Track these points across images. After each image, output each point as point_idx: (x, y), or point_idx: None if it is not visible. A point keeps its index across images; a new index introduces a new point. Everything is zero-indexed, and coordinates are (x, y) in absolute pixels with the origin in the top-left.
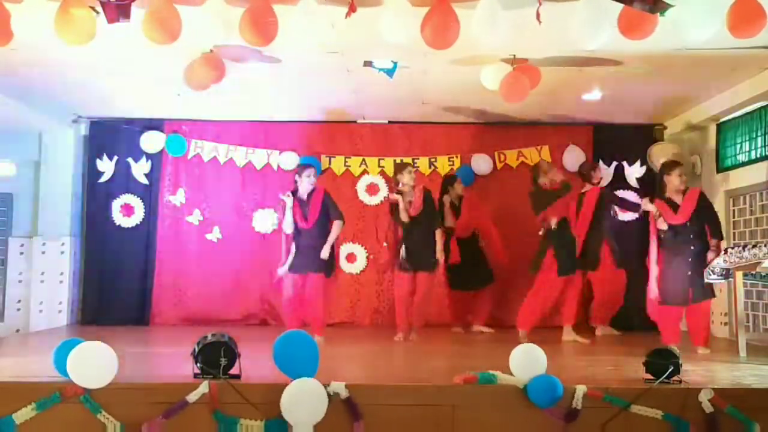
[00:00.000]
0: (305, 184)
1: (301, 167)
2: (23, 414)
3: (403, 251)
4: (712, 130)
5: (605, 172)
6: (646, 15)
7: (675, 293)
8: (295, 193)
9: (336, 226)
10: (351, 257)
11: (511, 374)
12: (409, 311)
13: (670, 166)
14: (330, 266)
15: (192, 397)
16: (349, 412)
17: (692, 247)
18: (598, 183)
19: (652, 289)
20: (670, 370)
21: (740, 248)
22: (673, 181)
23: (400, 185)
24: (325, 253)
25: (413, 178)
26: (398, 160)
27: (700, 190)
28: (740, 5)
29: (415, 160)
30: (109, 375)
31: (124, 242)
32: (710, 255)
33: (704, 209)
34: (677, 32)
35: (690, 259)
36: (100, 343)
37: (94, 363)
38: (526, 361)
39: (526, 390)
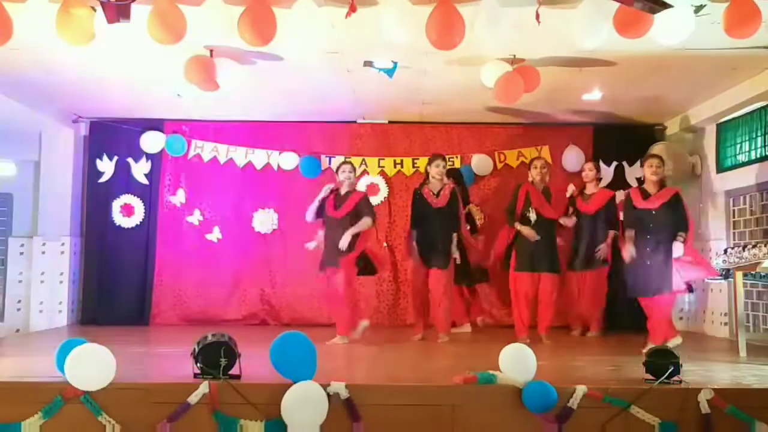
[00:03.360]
0: (344, 181)
1: (340, 165)
2: (31, 423)
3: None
4: (712, 130)
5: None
6: (640, 14)
7: (638, 284)
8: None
9: (363, 222)
10: None
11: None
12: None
13: (646, 157)
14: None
15: (193, 398)
16: (348, 412)
17: (648, 237)
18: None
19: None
20: (670, 370)
21: (740, 248)
22: (645, 171)
23: (429, 177)
24: (344, 243)
25: (440, 171)
26: (398, 160)
27: (676, 190)
28: (736, 5)
29: (415, 161)
30: (107, 377)
31: (124, 242)
32: (676, 245)
33: (675, 203)
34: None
35: (648, 249)
36: (98, 345)
37: (92, 366)
38: (516, 360)
39: (522, 394)
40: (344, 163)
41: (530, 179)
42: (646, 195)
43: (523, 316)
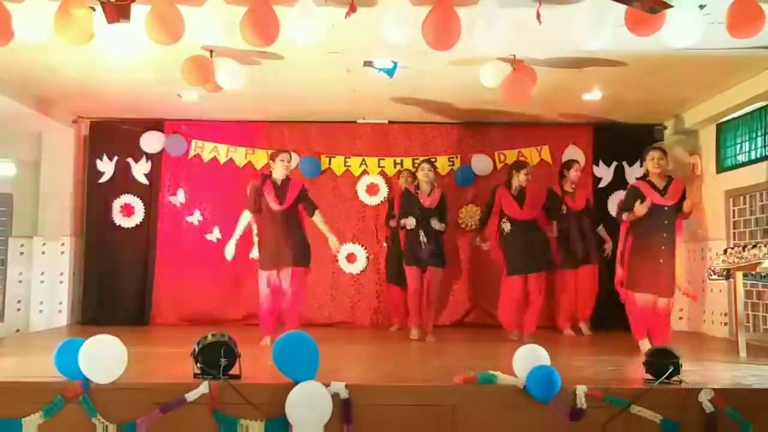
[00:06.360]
0: (279, 168)
1: (275, 152)
2: (31, 421)
3: (422, 237)
4: (712, 130)
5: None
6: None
7: (644, 279)
8: (268, 177)
9: (318, 218)
10: (351, 257)
11: (511, 374)
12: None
13: (648, 150)
14: (307, 256)
15: (191, 396)
16: (342, 413)
17: (664, 235)
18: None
19: (618, 274)
20: (670, 370)
21: (740, 248)
22: (648, 165)
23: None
24: (333, 243)
25: (426, 175)
26: (398, 160)
27: (684, 184)
28: (740, 5)
29: (415, 161)
30: (119, 370)
31: (124, 242)
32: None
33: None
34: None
35: (663, 247)
36: (112, 337)
37: (106, 357)
38: (530, 361)
39: (526, 385)
40: (281, 152)
41: (516, 183)
42: (658, 190)
43: (512, 316)
